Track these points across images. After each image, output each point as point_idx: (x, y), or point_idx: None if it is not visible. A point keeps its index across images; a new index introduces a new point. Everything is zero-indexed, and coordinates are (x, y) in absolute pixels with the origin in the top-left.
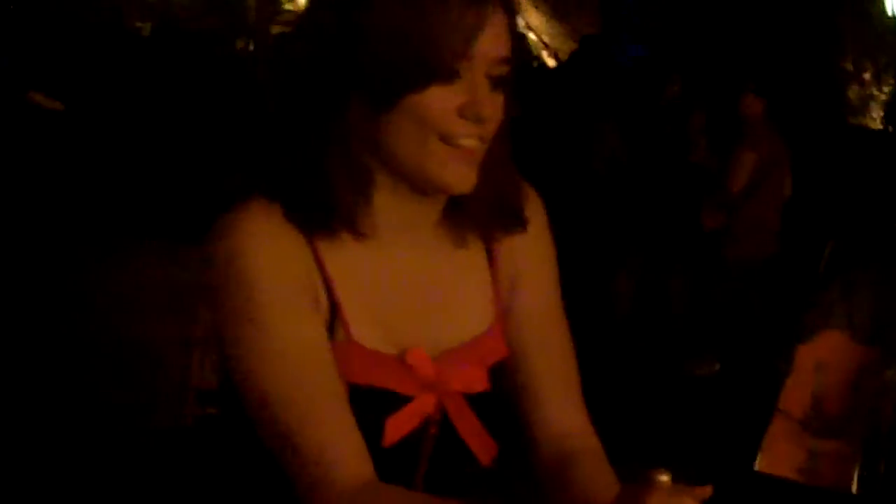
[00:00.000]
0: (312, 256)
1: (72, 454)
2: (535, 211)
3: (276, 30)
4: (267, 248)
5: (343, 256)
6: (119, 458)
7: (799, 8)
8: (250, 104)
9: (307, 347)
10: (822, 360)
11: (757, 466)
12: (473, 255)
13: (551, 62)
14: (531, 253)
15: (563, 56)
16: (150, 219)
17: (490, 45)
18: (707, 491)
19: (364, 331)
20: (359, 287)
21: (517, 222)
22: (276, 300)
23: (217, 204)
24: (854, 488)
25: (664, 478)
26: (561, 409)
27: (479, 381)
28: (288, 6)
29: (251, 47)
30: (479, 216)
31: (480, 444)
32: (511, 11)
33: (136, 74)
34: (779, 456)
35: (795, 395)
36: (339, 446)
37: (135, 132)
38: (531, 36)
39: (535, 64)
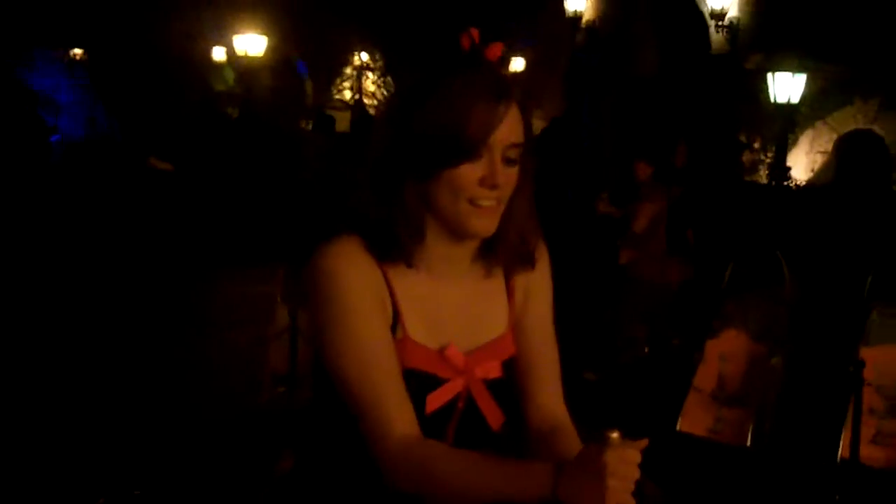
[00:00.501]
0: (383, 277)
1: (179, 429)
2: (542, 253)
3: (328, 112)
4: (352, 272)
5: (404, 278)
6: (216, 429)
7: (704, 96)
8: (306, 165)
9: (378, 343)
10: (725, 351)
11: (678, 428)
12: (496, 283)
13: None
14: (537, 285)
15: (536, 131)
16: (233, 248)
17: (505, 134)
18: (645, 442)
19: (416, 331)
20: (415, 300)
21: (529, 262)
22: (358, 309)
23: (313, 238)
24: (749, 443)
25: (615, 434)
26: (548, 396)
27: (494, 371)
28: (337, 96)
29: (310, 125)
30: (503, 257)
31: (493, 415)
32: (526, 108)
33: (227, 145)
34: (694, 420)
35: (706, 376)
36: (396, 413)
37: (225, 187)
38: None
39: None
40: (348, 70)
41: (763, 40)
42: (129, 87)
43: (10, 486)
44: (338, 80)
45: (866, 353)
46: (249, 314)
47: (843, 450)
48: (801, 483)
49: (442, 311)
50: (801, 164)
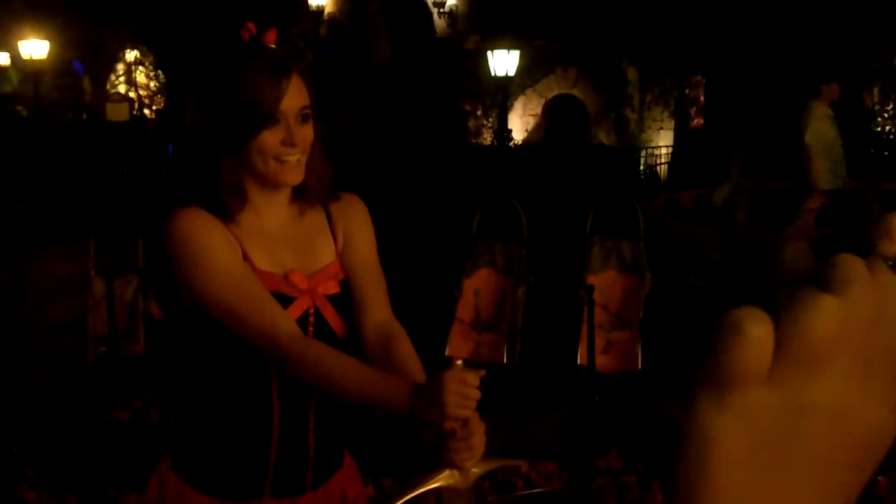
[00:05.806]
0: (225, 227)
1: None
2: (356, 203)
3: (108, 106)
4: (200, 225)
5: (243, 227)
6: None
7: (426, 73)
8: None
9: (240, 270)
10: (478, 287)
11: (447, 353)
12: (319, 221)
13: None
14: (357, 228)
15: None
16: (42, 230)
17: (294, 101)
18: (483, 372)
19: (261, 263)
20: (255, 239)
21: (334, 196)
22: (216, 250)
23: (163, 209)
24: (504, 360)
25: (458, 362)
26: (379, 312)
27: (333, 287)
28: (113, 90)
29: (85, 116)
30: (312, 195)
31: (337, 325)
32: (307, 75)
33: (19, 139)
34: (458, 346)
35: (465, 309)
36: (278, 315)
37: (26, 176)
38: None
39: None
40: (120, 66)
41: (479, 23)
42: None
43: None
44: (112, 77)
45: (592, 278)
46: (65, 288)
47: (580, 359)
48: (551, 389)
49: (279, 247)
50: (517, 127)
